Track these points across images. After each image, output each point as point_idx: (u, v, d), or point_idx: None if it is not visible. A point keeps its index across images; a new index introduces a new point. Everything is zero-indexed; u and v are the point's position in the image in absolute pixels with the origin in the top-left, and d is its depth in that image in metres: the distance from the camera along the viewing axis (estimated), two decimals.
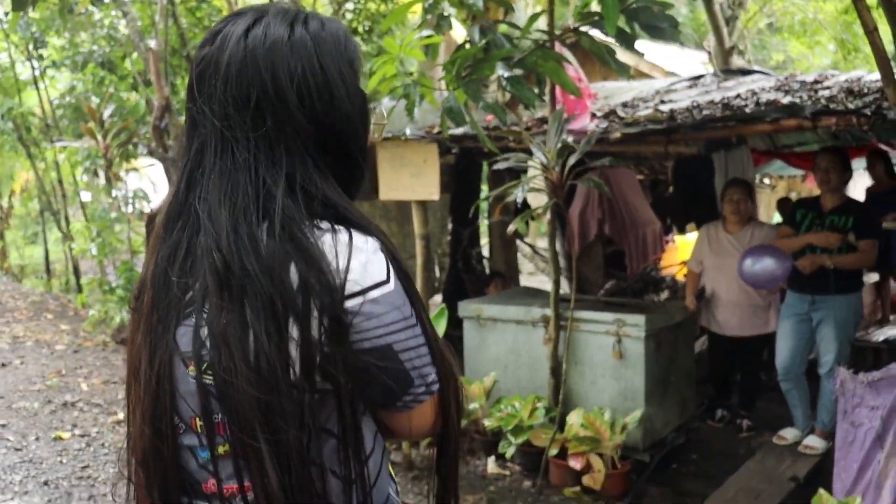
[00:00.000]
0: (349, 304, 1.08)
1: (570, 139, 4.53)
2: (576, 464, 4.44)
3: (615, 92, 6.40)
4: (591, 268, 8.48)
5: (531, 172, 4.68)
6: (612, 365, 4.81)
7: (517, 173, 6.10)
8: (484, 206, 8.78)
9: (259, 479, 1.06)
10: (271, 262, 1.06)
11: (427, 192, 5.32)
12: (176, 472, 1.16)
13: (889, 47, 3.32)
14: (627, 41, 3.34)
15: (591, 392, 4.90)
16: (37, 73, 10.58)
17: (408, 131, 4.54)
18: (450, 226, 8.70)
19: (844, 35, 9.41)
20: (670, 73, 9.62)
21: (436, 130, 5.21)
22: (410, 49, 3.84)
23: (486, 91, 5.00)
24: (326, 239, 1.10)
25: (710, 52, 8.32)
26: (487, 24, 4.05)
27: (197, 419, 1.12)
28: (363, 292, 1.09)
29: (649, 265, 8.40)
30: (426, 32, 3.76)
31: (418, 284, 5.49)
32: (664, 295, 8.34)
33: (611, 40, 3.53)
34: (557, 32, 4.05)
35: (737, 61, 8.35)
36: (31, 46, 10.25)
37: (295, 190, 1.11)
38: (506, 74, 3.50)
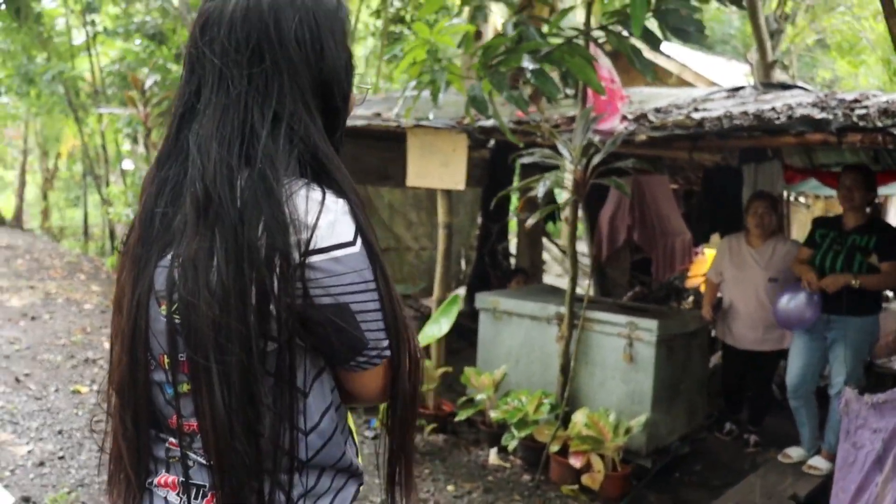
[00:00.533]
0: (312, 259, 1.12)
1: (596, 139, 4.54)
2: (576, 462, 4.46)
3: (652, 97, 6.36)
4: (617, 273, 8.48)
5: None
6: (622, 368, 4.81)
7: (547, 170, 6.12)
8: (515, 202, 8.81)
9: (207, 401, 1.11)
10: (243, 198, 1.12)
11: (453, 182, 5.35)
12: (147, 404, 1.23)
13: None
14: (653, 42, 3.35)
15: (599, 392, 4.91)
16: (89, 39, 10.77)
17: (431, 116, 4.56)
18: (479, 220, 8.74)
19: (893, 56, 9.22)
20: (714, 83, 9.53)
21: (466, 121, 5.24)
22: (440, 35, 3.88)
23: (522, 87, 5.02)
24: (301, 192, 1.15)
25: (752, 65, 8.23)
26: (522, 18, 4.08)
27: (165, 356, 1.18)
28: (327, 250, 1.13)
29: (676, 275, 8.36)
30: (457, 21, 3.80)
31: (437, 273, 5.54)
32: (687, 305, 8.29)
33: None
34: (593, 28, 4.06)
35: (780, 76, 8.24)
36: (85, 13, 10.45)
37: (280, 128, 1.17)
38: (530, 67, 3.52)
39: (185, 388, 1.17)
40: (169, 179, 1.20)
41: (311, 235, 1.12)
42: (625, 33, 3.72)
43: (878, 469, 3.58)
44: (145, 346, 1.19)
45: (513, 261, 8.57)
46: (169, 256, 1.15)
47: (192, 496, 1.20)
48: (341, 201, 1.17)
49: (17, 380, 5.64)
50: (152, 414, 1.24)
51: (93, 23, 10.43)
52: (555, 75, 3.99)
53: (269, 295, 1.11)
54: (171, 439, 1.24)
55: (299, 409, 1.19)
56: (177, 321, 1.13)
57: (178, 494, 1.22)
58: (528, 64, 3.56)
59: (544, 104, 4.93)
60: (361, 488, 1.35)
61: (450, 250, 5.55)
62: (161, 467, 1.25)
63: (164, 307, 1.15)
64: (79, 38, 11.46)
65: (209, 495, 1.19)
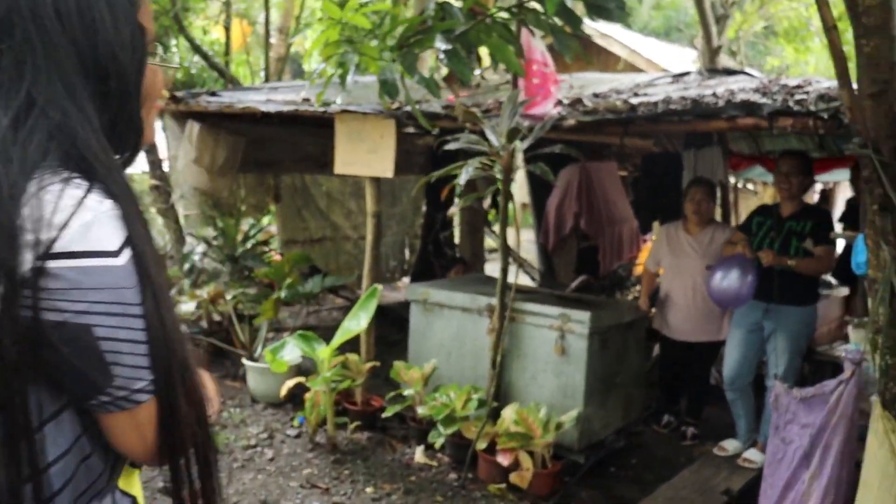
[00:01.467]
0: (50, 263, 0.91)
1: (526, 123, 4.36)
2: (503, 460, 4.29)
3: (594, 82, 6.20)
4: (563, 262, 8.33)
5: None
6: (554, 360, 4.64)
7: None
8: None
9: None
10: None
11: (382, 169, 5.14)
12: None
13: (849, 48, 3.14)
14: (573, 22, 3.16)
15: (531, 387, 4.74)
16: None
17: (338, 101, 4.33)
18: (423, 208, 8.54)
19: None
20: (665, 70, 9.40)
21: (394, 106, 5.04)
22: (353, 15, 3.67)
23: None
24: (55, 188, 0.93)
25: (698, 50, 8.10)
26: None
27: None
28: (71, 255, 0.92)
29: (623, 263, 8.24)
30: None
31: (366, 264, 5.33)
32: (632, 295, 8.18)
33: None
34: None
35: (727, 62, 8.13)
36: None
37: (31, 115, 0.96)
38: (443, 47, 3.32)
39: None
40: None
41: (56, 236, 0.91)
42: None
43: (806, 465, 3.46)
44: None
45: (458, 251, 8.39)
46: None
47: None
48: (109, 202, 0.96)
49: None
50: None
51: None
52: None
53: None
54: None
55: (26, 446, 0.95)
56: None
57: None
58: (441, 44, 3.35)
59: (458, 87, 4.73)
60: None
61: (378, 240, 5.36)
62: None
63: None
64: None
65: None
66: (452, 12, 3.55)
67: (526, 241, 10.73)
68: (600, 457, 4.74)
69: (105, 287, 0.94)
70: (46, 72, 0.98)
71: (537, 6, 3.54)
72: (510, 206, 4.70)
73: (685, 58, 11.87)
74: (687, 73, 6.11)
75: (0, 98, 0.96)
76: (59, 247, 0.91)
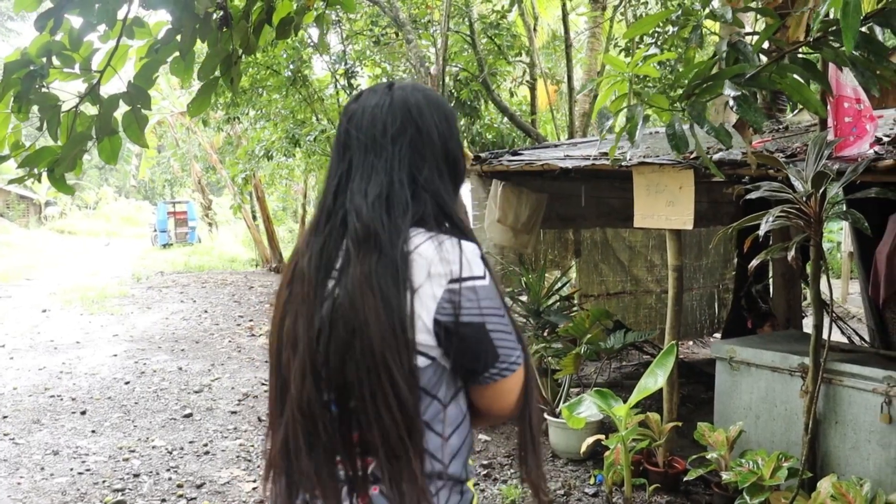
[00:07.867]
0: (452, 286, 1.40)
1: (835, 167, 4.00)
2: None
3: None
4: None
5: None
6: (881, 429, 4.15)
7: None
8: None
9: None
10: (395, 233, 1.41)
11: (681, 221, 4.97)
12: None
13: None
14: (877, 51, 2.87)
15: (851, 457, 4.27)
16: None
17: (629, 155, 4.24)
18: (735, 260, 8.13)
19: None
20: None
21: (693, 156, 4.87)
22: (640, 67, 3.62)
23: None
24: (443, 238, 1.43)
25: None
26: (738, 37, 3.70)
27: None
28: (464, 279, 1.41)
29: None
30: (654, 50, 3.52)
31: (668, 319, 5.17)
32: None
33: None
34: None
35: None
36: (347, 78, 11.17)
37: (417, 187, 1.48)
38: (733, 94, 3.15)
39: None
40: (329, 235, 1.47)
41: (457, 269, 1.42)
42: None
43: None
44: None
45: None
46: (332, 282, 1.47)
47: None
48: (473, 245, 1.46)
49: (260, 419, 5.98)
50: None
51: (351, 86, 11.13)
52: None
53: (423, 323, 1.44)
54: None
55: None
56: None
57: None
58: (730, 91, 3.19)
59: (752, 133, 4.43)
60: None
61: (680, 295, 5.15)
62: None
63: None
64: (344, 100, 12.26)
65: None
66: (746, 52, 3.38)
67: (855, 293, 9.82)
68: None
69: (485, 297, 1.43)
70: (427, 160, 1.52)
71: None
72: (838, 255, 4.31)
73: None
74: None
75: (395, 174, 1.48)
76: (454, 275, 1.40)
